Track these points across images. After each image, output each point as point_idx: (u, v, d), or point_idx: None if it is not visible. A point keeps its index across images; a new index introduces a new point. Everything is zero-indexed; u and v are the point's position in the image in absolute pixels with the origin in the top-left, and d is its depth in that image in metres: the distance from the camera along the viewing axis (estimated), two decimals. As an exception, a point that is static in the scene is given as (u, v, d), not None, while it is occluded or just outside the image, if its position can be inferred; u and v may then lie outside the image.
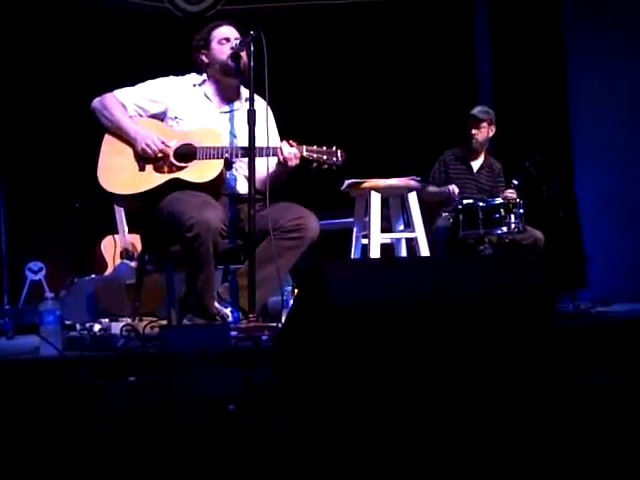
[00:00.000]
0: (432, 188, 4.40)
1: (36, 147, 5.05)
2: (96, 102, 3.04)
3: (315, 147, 3.01)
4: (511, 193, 4.23)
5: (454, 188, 4.27)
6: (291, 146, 2.97)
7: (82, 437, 1.87)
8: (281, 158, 2.95)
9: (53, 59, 5.10)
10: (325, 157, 3.00)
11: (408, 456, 1.67)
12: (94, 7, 5.21)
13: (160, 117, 3.06)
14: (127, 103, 3.03)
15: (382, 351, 1.69)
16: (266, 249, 2.87)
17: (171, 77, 3.12)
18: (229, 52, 3.02)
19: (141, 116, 3.05)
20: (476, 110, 4.47)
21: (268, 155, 2.93)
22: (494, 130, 4.50)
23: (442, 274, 1.78)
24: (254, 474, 1.73)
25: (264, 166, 2.92)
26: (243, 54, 2.98)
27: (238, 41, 3.00)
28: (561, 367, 2.08)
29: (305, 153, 2.98)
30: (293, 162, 2.95)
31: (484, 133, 4.46)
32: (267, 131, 2.90)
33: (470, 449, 1.70)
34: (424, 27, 5.55)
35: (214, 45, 3.07)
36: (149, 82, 3.09)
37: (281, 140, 3.06)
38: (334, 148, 3.02)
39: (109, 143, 3.00)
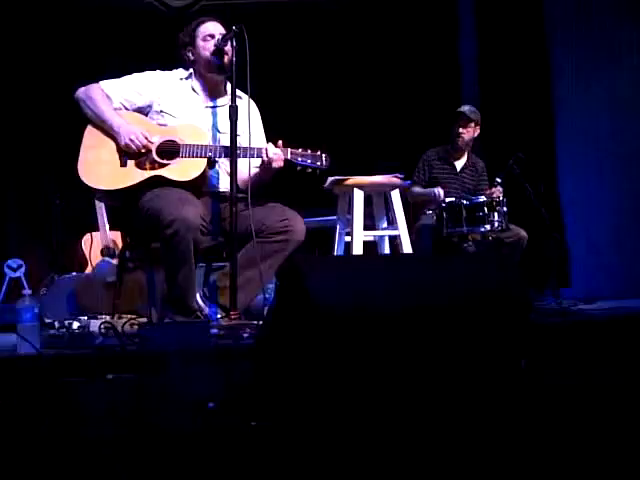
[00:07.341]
0: (417, 189, 4.39)
1: (15, 141, 5.00)
2: (81, 92, 2.99)
3: (300, 150, 2.97)
4: (498, 191, 4.20)
5: (439, 191, 4.25)
6: (277, 147, 2.94)
7: (60, 436, 1.85)
8: (265, 159, 2.92)
9: (36, 51, 5.05)
10: (309, 161, 2.97)
11: (390, 453, 1.66)
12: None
13: (145, 111, 3.02)
14: (113, 95, 2.99)
15: (363, 349, 1.68)
16: (250, 252, 2.84)
17: (158, 71, 3.10)
18: (212, 48, 2.99)
19: (126, 109, 3.01)
20: (466, 109, 4.43)
21: (252, 156, 2.90)
22: (478, 131, 4.49)
23: (422, 273, 1.78)
24: (234, 472, 1.71)
25: (247, 165, 2.89)
26: (228, 49, 2.95)
27: (220, 37, 2.98)
28: (541, 364, 2.08)
29: (290, 156, 2.95)
30: (277, 164, 2.92)
31: (471, 133, 4.44)
32: (249, 129, 2.87)
33: (451, 447, 1.70)
34: (409, 25, 5.54)
35: (199, 42, 3.04)
36: (136, 74, 3.05)
37: (267, 140, 3.03)
38: (319, 152, 2.98)
39: (91, 136, 2.95)
